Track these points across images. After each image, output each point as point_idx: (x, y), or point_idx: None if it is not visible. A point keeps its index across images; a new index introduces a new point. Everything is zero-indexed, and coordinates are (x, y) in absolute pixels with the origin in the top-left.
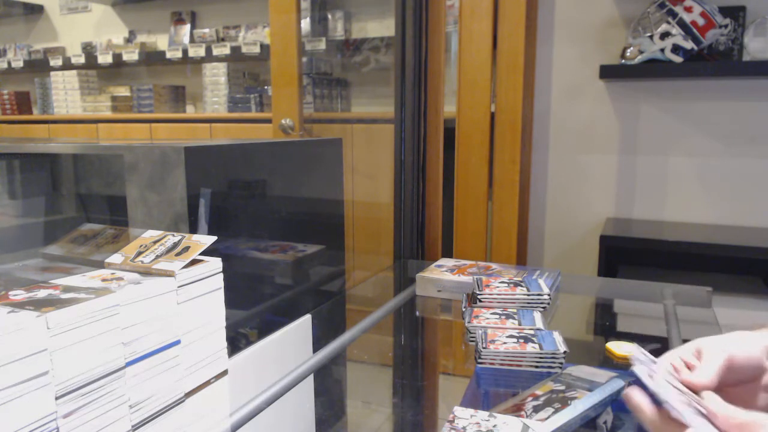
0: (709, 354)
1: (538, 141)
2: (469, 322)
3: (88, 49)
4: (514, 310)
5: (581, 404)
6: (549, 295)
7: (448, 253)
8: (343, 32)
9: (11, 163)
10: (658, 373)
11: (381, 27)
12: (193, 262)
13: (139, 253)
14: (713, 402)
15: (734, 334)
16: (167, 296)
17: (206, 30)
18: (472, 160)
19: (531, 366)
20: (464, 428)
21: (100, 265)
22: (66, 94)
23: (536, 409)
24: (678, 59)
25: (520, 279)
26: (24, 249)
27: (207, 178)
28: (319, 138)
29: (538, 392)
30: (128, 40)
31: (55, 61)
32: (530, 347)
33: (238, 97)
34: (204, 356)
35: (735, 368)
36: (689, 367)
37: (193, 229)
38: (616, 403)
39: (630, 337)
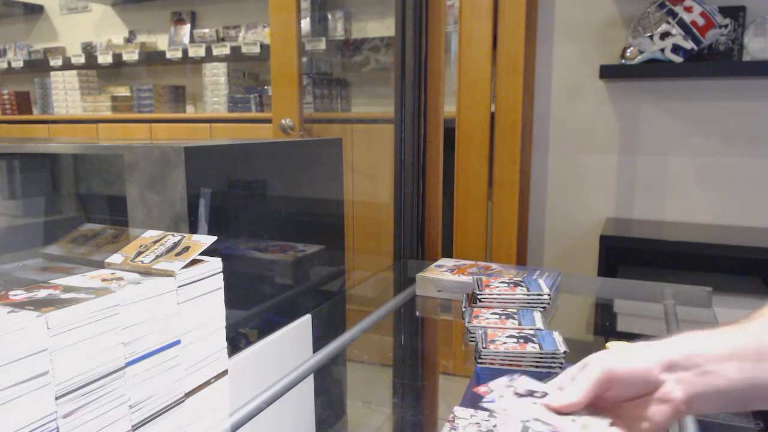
0: (586, 371)
1: (538, 141)
2: (469, 322)
3: (88, 49)
4: (514, 310)
5: None
6: (549, 295)
7: (448, 253)
8: (343, 32)
9: (11, 163)
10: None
11: (381, 27)
12: (193, 262)
13: (139, 253)
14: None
15: (629, 345)
16: (167, 296)
17: (206, 30)
18: (472, 160)
19: (531, 366)
20: (464, 428)
21: (100, 265)
22: (66, 94)
23: None
24: (678, 59)
25: (520, 279)
26: (24, 249)
27: (207, 178)
28: (319, 138)
29: None
30: (128, 40)
31: (55, 61)
32: (530, 347)
33: (238, 97)
34: (204, 356)
35: (616, 381)
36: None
37: (193, 229)
38: None
39: (630, 337)
